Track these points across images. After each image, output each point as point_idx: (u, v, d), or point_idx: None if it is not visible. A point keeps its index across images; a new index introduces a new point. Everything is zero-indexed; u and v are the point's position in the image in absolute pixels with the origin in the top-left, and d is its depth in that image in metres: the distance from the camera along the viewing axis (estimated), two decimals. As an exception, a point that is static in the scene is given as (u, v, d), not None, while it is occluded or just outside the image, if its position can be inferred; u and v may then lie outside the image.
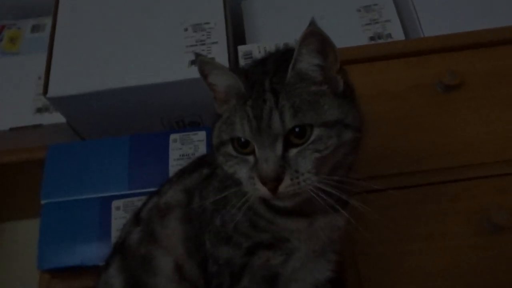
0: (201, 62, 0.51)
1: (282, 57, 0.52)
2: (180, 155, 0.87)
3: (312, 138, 0.46)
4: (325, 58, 0.48)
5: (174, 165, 0.85)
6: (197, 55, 0.51)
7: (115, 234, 0.79)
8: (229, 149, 0.50)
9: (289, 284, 0.57)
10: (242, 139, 0.48)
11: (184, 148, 0.87)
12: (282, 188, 0.46)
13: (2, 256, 1.10)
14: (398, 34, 0.99)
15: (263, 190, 0.46)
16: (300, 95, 0.47)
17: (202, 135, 0.88)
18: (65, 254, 0.79)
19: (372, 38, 0.97)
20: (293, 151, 0.47)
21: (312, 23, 0.46)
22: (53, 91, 0.86)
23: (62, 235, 0.80)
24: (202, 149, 0.86)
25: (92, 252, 0.79)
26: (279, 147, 0.46)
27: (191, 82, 0.85)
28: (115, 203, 0.83)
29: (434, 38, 0.89)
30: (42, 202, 0.84)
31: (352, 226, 0.54)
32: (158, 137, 0.89)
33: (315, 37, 0.46)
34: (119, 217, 0.81)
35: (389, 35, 0.98)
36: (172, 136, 0.89)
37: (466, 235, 0.69)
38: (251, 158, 0.48)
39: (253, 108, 0.47)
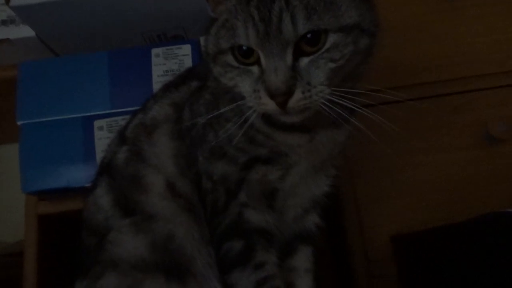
0: None
1: None
2: (164, 71, 0.81)
3: (327, 45, 0.42)
4: None
5: (158, 82, 0.79)
6: None
7: (99, 155, 0.75)
8: (229, 58, 0.44)
9: (287, 199, 0.55)
10: (245, 47, 0.43)
11: (168, 63, 0.81)
12: (292, 102, 0.41)
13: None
14: None
15: (270, 105, 0.42)
16: None
17: (187, 48, 0.81)
18: (49, 176, 0.76)
19: None
20: (304, 60, 0.42)
21: None
22: (18, 0, 0.76)
23: (45, 157, 0.76)
24: (188, 64, 0.80)
25: (77, 173, 0.75)
26: (289, 55, 0.42)
27: (172, -12, 0.77)
28: (97, 123, 0.78)
29: None
30: (19, 123, 0.79)
31: (353, 141, 0.51)
32: (139, 52, 0.82)
33: None
34: (102, 137, 0.77)
35: None
36: (154, 51, 0.82)
37: (465, 147, 0.67)
38: (255, 69, 0.44)
39: (258, 9, 0.41)
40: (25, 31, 0.86)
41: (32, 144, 0.77)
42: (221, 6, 0.46)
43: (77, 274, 0.58)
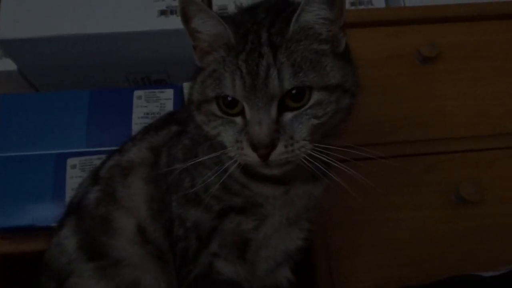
0: (184, 2, 0.44)
1: (276, 6, 0.47)
2: (144, 113, 0.81)
3: (311, 102, 0.43)
4: (333, 10, 0.44)
5: (138, 123, 0.79)
6: None
7: (70, 194, 0.73)
8: (214, 107, 0.45)
9: (259, 250, 0.54)
10: (229, 98, 0.43)
11: (150, 106, 0.82)
12: (274, 155, 0.42)
13: None
14: (379, 2, 0.95)
15: (252, 157, 0.42)
16: (301, 52, 0.43)
17: (169, 93, 0.82)
18: (15, 213, 0.73)
19: (353, 4, 0.94)
20: (288, 115, 0.43)
21: None
22: (2, 33, 0.77)
23: (13, 193, 0.74)
24: (169, 108, 0.81)
25: (44, 212, 0.73)
26: (274, 109, 0.42)
27: (159, 34, 0.79)
28: (70, 161, 0.76)
29: (414, 8, 0.87)
30: (-9, 156, 0.77)
31: (329, 194, 0.52)
32: (121, 93, 0.83)
33: None
34: (74, 176, 0.75)
35: (370, 2, 0.94)
36: (137, 93, 0.82)
37: (436, 206, 0.69)
38: (239, 120, 0.44)
39: (247, 62, 0.42)
40: (7, 65, 0.86)
41: (2, 179, 0.75)
42: (209, 56, 0.46)
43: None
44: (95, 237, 0.55)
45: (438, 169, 0.71)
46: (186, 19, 0.45)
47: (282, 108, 0.43)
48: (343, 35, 0.46)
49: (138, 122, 0.79)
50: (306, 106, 0.43)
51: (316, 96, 0.43)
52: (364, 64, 0.81)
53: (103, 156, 0.68)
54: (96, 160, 0.74)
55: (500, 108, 0.77)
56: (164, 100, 0.82)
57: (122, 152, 0.60)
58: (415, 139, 0.73)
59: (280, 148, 0.42)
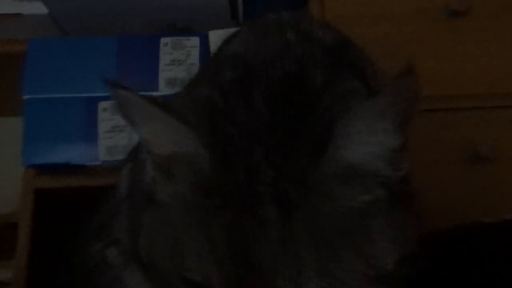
0: (122, 100, 0.27)
1: (287, 98, 0.27)
2: (171, 60, 0.83)
3: None
4: (402, 134, 0.27)
5: (165, 70, 0.82)
6: (114, 85, 0.27)
7: (102, 136, 0.78)
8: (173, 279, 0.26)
9: None
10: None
11: (175, 53, 0.84)
12: None
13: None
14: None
15: None
16: (338, 218, 0.24)
17: (195, 41, 0.84)
18: (51, 151, 0.78)
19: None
20: None
21: (409, 69, 0.26)
22: (34, -23, 0.79)
23: (47, 132, 0.79)
24: (195, 56, 0.83)
25: (78, 152, 0.78)
26: None
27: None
28: (101, 105, 0.80)
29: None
30: (25, 97, 0.81)
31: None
32: (148, 40, 0.85)
33: (408, 100, 0.26)
34: (106, 119, 0.79)
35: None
36: (163, 40, 0.84)
37: (451, 162, 0.71)
38: None
39: (232, 234, 0.24)
40: (38, 8, 0.88)
41: (36, 119, 0.79)
42: (164, 185, 0.28)
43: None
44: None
45: (455, 126, 0.73)
46: (130, 123, 0.29)
47: None
48: (406, 161, 0.28)
49: (164, 69, 0.82)
50: None
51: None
52: (388, 18, 0.81)
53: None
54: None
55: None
56: (190, 48, 0.84)
57: None
58: (434, 95, 0.75)
59: None
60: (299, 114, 0.26)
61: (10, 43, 0.89)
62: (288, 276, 0.23)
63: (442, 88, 0.76)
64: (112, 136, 0.78)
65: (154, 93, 0.78)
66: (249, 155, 0.25)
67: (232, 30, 0.51)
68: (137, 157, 0.47)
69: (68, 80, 0.82)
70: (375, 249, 0.25)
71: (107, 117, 0.79)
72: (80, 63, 0.83)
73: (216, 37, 0.82)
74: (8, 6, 0.88)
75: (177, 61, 0.82)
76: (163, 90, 0.80)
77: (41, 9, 0.88)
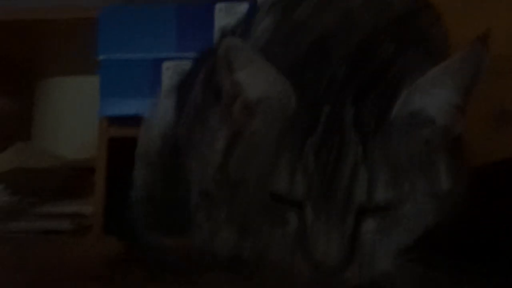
0: (230, 47, 0.31)
1: (362, 59, 0.32)
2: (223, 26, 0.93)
3: (408, 207, 0.30)
4: (466, 95, 0.31)
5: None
6: (224, 35, 0.33)
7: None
8: (260, 194, 0.32)
9: None
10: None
11: (229, 19, 0.93)
12: (341, 281, 0.29)
13: (65, 107, 1.25)
14: None
15: (308, 277, 0.30)
16: (405, 145, 0.30)
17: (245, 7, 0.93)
18: (122, 104, 0.91)
19: None
20: (370, 225, 0.30)
21: (483, 38, 0.29)
22: None
23: (119, 88, 0.92)
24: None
25: (145, 105, 0.90)
26: (351, 220, 0.29)
27: None
28: (165, 65, 0.92)
29: None
30: (100, 57, 0.94)
31: None
32: (203, 7, 0.95)
33: (477, 65, 0.30)
34: (168, 77, 0.91)
35: None
36: (218, 6, 0.94)
37: (479, 119, 0.77)
38: (293, 218, 0.31)
39: (317, 155, 0.29)
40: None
41: (110, 76, 0.92)
42: (252, 119, 0.32)
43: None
44: None
45: (485, 85, 0.79)
46: (229, 69, 0.32)
47: (362, 212, 0.30)
48: (463, 119, 0.32)
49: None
50: (400, 213, 0.30)
51: (417, 201, 0.30)
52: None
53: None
54: (185, 66, 0.89)
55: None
56: (241, 15, 0.93)
57: None
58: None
59: (352, 273, 0.29)
60: (374, 76, 0.31)
61: (85, 10, 1.01)
62: (362, 186, 0.29)
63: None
64: (174, 91, 0.89)
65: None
66: (332, 96, 0.30)
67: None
68: None
69: (136, 43, 0.94)
70: (435, 174, 0.31)
71: (169, 75, 0.91)
72: (145, 28, 0.95)
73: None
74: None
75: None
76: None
77: (110, -21, 0.99)
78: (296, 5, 0.39)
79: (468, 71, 0.30)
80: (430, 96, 0.30)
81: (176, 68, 0.91)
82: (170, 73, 0.91)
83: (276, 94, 0.31)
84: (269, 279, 0.32)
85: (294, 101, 0.31)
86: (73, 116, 1.21)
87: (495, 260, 0.46)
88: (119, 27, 0.95)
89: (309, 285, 0.30)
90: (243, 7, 0.93)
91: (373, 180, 0.29)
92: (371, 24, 0.35)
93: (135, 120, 0.91)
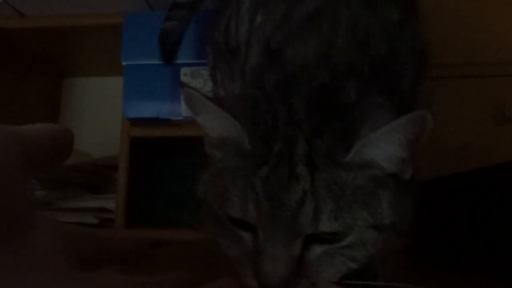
0: (188, 96, 0.36)
1: (322, 97, 0.35)
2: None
3: (350, 239, 0.32)
4: (410, 151, 0.34)
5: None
6: (183, 85, 0.37)
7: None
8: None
9: None
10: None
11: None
12: None
13: (90, 106, 1.32)
14: None
15: None
16: (352, 182, 0.32)
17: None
18: (143, 107, 0.97)
19: None
20: (316, 251, 0.32)
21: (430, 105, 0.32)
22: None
23: (141, 92, 0.97)
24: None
25: (165, 108, 0.96)
26: (298, 244, 0.32)
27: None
28: (183, 70, 0.97)
29: None
30: (123, 63, 1.00)
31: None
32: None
33: (422, 127, 0.32)
34: (186, 82, 0.96)
35: None
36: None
37: (479, 122, 0.80)
38: (248, 238, 0.34)
39: (267, 183, 0.32)
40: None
41: (133, 80, 0.98)
42: (218, 152, 0.37)
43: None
44: None
45: (488, 90, 0.81)
46: (192, 111, 0.37)
47: (309, 239, 0.32)
48: (411, 168, 0.35)
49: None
50: (344, 243, 0.32)
51: (360, 233, 0.32)
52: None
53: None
54: (203, 71, 0.94)
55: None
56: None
57: None
58: (472, 62, 0.83)
59: None
60: (333, 118, 0.34)
61: (110, 15, 1.07)
62: (309, 215, 0.31)
63: (475, 55, 0.84)
64: (192, 95, 0.95)
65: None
66: (286, 139, 0.33)
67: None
68: None
69: (157, 49, 0.99)
70: (378, 208, 0.33)
71: (187, 80, 0.96)
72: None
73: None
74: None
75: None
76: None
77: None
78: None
79: (413, 131, 0.32)
80: (380, 149, 0.33)
81: (193, 73, 0.96)
82: (188, 78, 0.96)
83: (231, 134, 0.35)
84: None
85: (247, 141, 0.34)
86: (97, 115, 1.28)
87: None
88: (141, 33, 1.00)
89: None
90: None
91: (318, 210, 0.31)
92: (341, 66, 0.38)
93: (155, 121, 0.98)
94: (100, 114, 1.27)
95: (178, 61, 0.97)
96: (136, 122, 1.00)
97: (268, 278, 0.31)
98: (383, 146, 0.33)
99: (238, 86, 0.57)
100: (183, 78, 0.97)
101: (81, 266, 0.25)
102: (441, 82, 0.81)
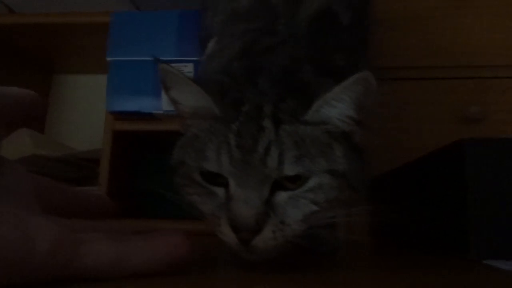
0: (162, 71, 0.41)
1: (285, 81, 0.41)
2: (221, 32, 1.02)
3: (311, 184, 0.37)
4: (361, 112, 0.39)
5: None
6: (157, 60, 0.41)
7: (165, 91, 0.99)
8: (195, 174, 0.39)
9: None
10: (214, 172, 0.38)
11: (225, 26, 1.02)
12: (258, 241, 0.35)
13: (74, 102, 1.35)
14: None
15: (230, 238, 0.36)
16: (311, 134, 0.37)
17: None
18: (127, 101, 1.00)
19: None
20: (282, 196, 0.37)
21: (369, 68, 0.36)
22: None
23: (125, 87, 1.01)
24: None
25: (148, 103, 0.99)
26: (266, 189, 0.36)
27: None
28: (166, 66, 1.01)
29: None
30: (108, 59, 1.03)
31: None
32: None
33: (366, 86, 0.37)
34: (169, 78, 1.00)
35: None
36: (216, 15, 1.03)
37: (445, 122, 0.85)
38: (221, 191, 0.38)
39: (239, 135, 0.37)
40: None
41: (117, 76, 1.01)
42: (191, 121, 0.41)
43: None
44: None
45: (452, 92, 0.86)
46: (165, 88, 0.41)
47: (275, 186, 0.37)
48: (360, 131, 0.40)
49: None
50: (305, 188, 0.37)
51: (318, 178, 0.37)
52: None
53: (191, 64, 0.90)
54: (184, 68, 0.98)
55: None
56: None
57: None
58: (439, 65, 0.88)
59: (266, 233, 0.35)
60: (295, 90, 0.40)
61: (96, 14, 1.11)
62: (274, 160, 0.36)
63: (442, 59, 0.89)
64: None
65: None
66: (252, 103, 0.39)
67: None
68: None
69: (141, 46, 1.03)
70: (332, 156, 0.38)
71: (170, 76, 1.00)
72: (150, 32, 1.04)
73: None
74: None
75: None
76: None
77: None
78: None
79: (359, 90, 0.37)
80: (334, 108, 0.38)
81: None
82: (170, 74, 0.99)
83: (203, 104, 0.40)
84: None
85: (217, 109, 0.39)
86: (85, 111, 1.31)
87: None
88: (127, 31, 1.04)
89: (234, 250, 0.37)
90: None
91: (282, 155, 0.36)
92: (303, 54, 0.45)
93: (137, 115, 1.02)
94: (88, 110, 1.30)
95: (162, 58, 1.00)
96: (119, 116, 1.04)
97: (240, 219, 0.35)
98: (336, 104, 0.38)
99: None
100: (165, 75, 1.01)
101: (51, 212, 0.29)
102: (409, 83, 0.86)
